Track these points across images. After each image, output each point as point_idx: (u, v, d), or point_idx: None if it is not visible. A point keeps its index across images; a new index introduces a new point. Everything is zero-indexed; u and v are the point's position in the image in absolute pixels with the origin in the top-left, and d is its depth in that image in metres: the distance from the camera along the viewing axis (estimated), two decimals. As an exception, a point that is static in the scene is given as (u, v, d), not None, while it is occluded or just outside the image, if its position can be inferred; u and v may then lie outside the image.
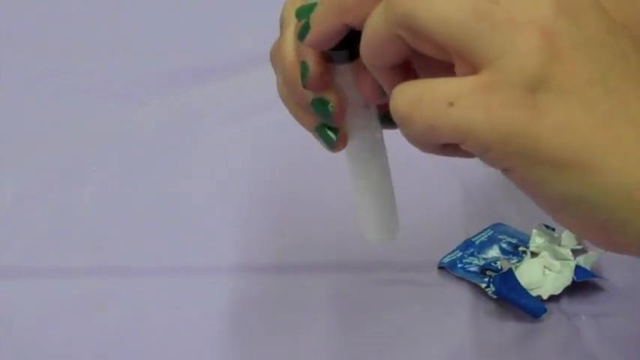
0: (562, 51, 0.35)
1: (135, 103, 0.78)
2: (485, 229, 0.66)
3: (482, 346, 0.60)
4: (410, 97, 0.35)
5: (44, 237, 0.67)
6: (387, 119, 0.45)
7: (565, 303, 0.60)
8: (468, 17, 0.35)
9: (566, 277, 0.61)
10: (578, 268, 0.61)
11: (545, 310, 0.60)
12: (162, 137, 0.77)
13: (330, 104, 0.44)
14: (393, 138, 0.61)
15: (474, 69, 0.35)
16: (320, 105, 0.45)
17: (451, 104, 0.34)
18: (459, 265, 0.65)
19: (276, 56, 0.46)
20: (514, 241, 0.66)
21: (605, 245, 0.38)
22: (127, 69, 0.83)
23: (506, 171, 0.36)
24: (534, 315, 0.60)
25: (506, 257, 0.65)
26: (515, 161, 0.35)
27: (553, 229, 0.64)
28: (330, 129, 0.46)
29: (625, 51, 0.38)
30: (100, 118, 0.78)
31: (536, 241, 0.64)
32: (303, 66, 0.43)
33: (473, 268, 0.65)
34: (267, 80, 0.57)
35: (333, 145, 0.46)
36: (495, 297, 0.61)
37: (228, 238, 0.68)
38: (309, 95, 0.44)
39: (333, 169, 0.52)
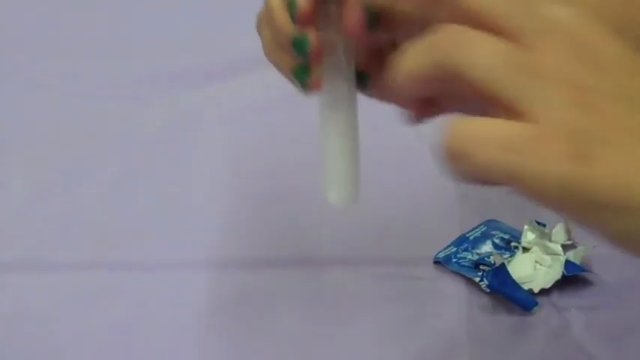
0: (594, 103, 0.37)
1: (137, 103, 0.79)
2: (479, 226, 0.67)
3: (475, 338, 0.61)
4: (463, 135, 0.36)
5: (53, 232, 0.68)
6: (362, 78, 0.49)
7: (555, 296, 0.61)
8: (509, 69, 0.37)
9: (556, 272, 0.62)
10: (567, 263, 0.63)
11: (536, 304, 0.61)
12: (164, 136, 0.78)
13: (310, 42, 0.47)
14: (389, 138, 0.60)
15: (510, 113, 0.36)
16: (300, 43, 0.47)
17: (506, 150, 0.36)
18: (454, 260, 0.66)
19: (262, 15, 0.50)
20: (506, 236, 0.67)
21: None
22: (129, 70, 0.84)
23: (562, 214, 0.38)
24: (526, 308, 0.61)
25: (499, 252, 0.66)
26: (572, 208, 0.37)
27: (544, 225, 0.66)
28: (305, 71, 0.49)
29: None
30: (104, 118, 0.79)
31: (528, 236, 0.65)
32: (292, 4, 0.46)
33: (467, 263, 0.66)
34: (265, 82, 0.64)
35: (306, 85, 0.49)
36: (488, 290, 0.62)
37: (228, 233, 0.68)
38: (291, 35, 0.47)
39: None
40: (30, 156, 0.76)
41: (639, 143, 0.37)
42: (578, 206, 0.36)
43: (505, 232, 0.68)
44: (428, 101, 0.44)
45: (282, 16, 0.48)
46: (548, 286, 0.62)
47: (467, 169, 0.36)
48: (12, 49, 0.88)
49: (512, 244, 0.66)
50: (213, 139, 0.77)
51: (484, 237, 0.68)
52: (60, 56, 0.87)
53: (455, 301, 0.63)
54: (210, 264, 0.66)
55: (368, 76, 0.50)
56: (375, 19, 0.46)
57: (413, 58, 0.39)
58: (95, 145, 0.77)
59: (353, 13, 0.45)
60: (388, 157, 0.67)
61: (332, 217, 0.62)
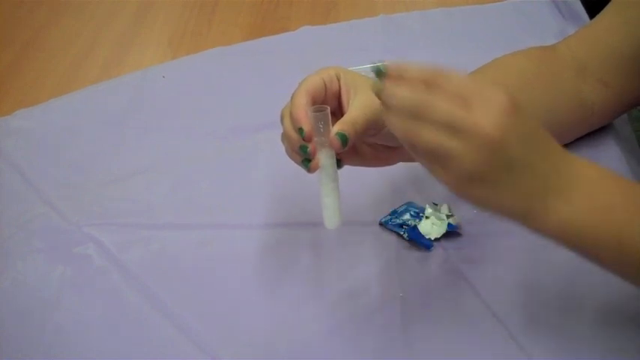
0: (494, 165, 0.54)
1: (225, 141, 0.99)
2: (403, 205, 0.84)
3: (400, 264, 0.78)
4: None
5: (180, 208, 0.89)
6: (339, 161, 0.68)
7: (443, 242, 0.79)
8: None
9: (443, 229, 0.79)
10: (449, 224, 0.79)
11: (432, 245, 0.79)
12: (238, 158, 0.96)
13: (308, 148, 0.65)
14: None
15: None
16: (303, 148, 0.65)
17: (448, 184, 0.56)
18: (390, 223, 0.82)
19: (284, 111, 0.67)
20: (417, 210, 0.82)
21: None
22: (222, 124, 1.02)
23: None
24: (427, 248, 0.78)
25: (413, 218, 0.81)
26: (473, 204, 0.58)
27: (436, 204, 0.81)
28: (308, 161, 0.65)
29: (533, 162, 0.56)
30: (208, 148, 0.98)
31: (428, 210, 0.81)
32: (301, 130, 0.64)
33: (396, 224, 0.81)
34: None
35: (309, 169, 0.66)
36: (408, 239, 0.79)
37: (269, 208, 0.87)
38: (299, 144, 0.65)
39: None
40: (169, 169, 0.95)
41: (502, 183, 0.55)
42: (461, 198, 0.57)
43: (416, 208, 0.83)
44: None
45: (293, 135, 0.65)
46: (438, 236, 0.79)
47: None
48: (159, 109, 1.06)
49: (420, 214, 0.81)
50: (263, 159, 0.94)
51: (405, 210, 0.83)
52: (186, 116, 1.04)
53: (390, 244, 0.81)
54: (257, 226, 0.85)
55: (341, 160, 0.69)
56: (345, 140, 0.64)
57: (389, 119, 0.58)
58: (204, 163, 0.95)
59: (333, 137, 0.63)
60: (359, 175, 0.76)
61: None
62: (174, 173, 0.93)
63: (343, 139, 0.63)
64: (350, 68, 0.68)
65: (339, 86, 0.67)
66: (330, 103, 0.67)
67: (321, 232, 0.80)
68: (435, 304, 0.73)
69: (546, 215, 0.57)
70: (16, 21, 1.28)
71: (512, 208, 0.57)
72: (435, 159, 0.55)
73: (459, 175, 0.55)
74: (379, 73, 0.57)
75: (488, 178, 0.55)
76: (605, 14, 0.81)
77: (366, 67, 0.62)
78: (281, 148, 0.72)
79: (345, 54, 1.09)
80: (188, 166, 0.93)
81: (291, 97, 0.65)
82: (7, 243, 0.84)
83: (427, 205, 0.81)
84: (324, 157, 0.65)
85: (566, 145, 0.86)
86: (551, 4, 1.17)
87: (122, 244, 0.83)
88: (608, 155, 0.85)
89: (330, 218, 0.67)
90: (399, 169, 0.81)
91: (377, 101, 0.60)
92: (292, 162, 0.68)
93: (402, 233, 0.80)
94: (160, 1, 1.31)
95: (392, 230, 0.81)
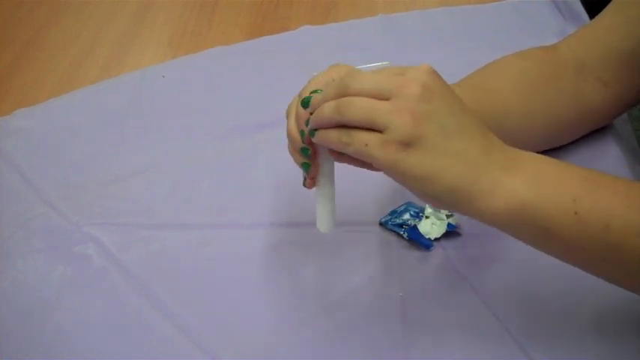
0: (420, 121, 0.54)
1: (225, 141, 0.98)
2: (403, 204, 0.83)
3: (400, 264, 0.78)
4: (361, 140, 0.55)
5: (181, 208, 0.88)
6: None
7: (442, 242, 0.79)
8: (379, 113, 0.54)
9: (442, 229, 0.79)
10: (449, 224, 0.79)
11: (432, 245, 0.78)
12: (238, 158, 0.95)
13: (309, 150, 0.63)
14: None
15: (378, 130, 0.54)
16: (305, 150, 0.64)
17: (367, 146, 0.55)
18: (390, 223, 0.81)
19: (290, 106, 0.66)
20: (417, 210, 0.82)
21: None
22: (222, 123, 1.01)
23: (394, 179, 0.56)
24: (427, 247, 0.78)
25: (413, 218, 0.81)
26: (397, 177, 0.55)
27: None
28: (308, 165, 0.65)
29: (459, 118, 0.56)
30: (208, 148, 0.97)
31: (428, 210, 0.81)
32: (302, 132, 0.62)
33: (396, 224, 0.81)
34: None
35: (309, 172, 0.65)
36: (408, 239, 0.79)
37: (270, 208, 0.86)
38: (300, 146, 0.63)
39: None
40: (169, 169, 0.94)
41: (439, 148, 0.54)
42: (401, 177, 0.55)
43: (416, 208, 0.82)
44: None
45: (295, 135, 0.64)
46: (438, 236, 0.79)
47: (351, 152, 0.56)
48: (159, 109, 1.05)
49: (420, 214, 0.81)
50: (263, 159, 0.94)
51: (405, 210, 0.82)
52: (186, 116, 1.03)
53: (390, 244, 0.80)
54: (257, 226, 0.84)
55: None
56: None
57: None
58: (204, 163, 0.94)
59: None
60: (360, 176, 0.71)
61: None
62: (174, 173, 0.93)
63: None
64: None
65: None
66: None
67: (321, 232, 0.74)
68: (435, 304, 0.73)
69: (496, 192, 0.55)
70: (16, 21, 1.28)
71: (455, 181, 0.54)
72: (365, 132, 0.55)
73: (392, 140, 0.54)
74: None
75: (423, 143, 0.54)
76: (606, 14, 0.81)
77: (367, 67, 0.62)
78: (281, 148, 0.72)
79: (345, 54, 1.05)
80: (188, 166, 0.93)
81: (299, 95, 0.64)
82: (7, 243, 0.84)
83: (427, 205, 0.81)
84: (323, 160, 0.65)
85: (567, 145, 0.86)
86: (551, 4, 1.17)
87: (122, 244, 0.83)
88: (608, 155, 0.85)
89: (325, 221, 0.67)
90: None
91: None
92: (292, 162, 0.68)
93: (401, 233, 0.80)
94: (160, 1, 1.31)
95: (392, 230, 0.81)
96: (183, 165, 0.94)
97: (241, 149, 0.95)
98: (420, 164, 0.54)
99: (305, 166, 0.64)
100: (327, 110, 0.57)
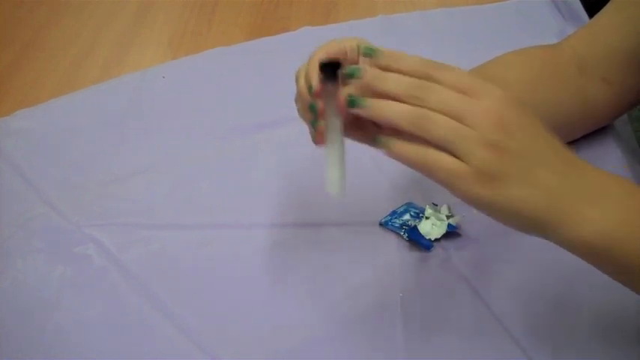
0: (504, 157, 0.53)
1: (225, 141, 0.98)
2: (403, 205, 0.83)
3: (401, 264, 0.78)
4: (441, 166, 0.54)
5: (181, 208, 0.89)
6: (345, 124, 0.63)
7: (443, 242, 0.79)
8: (461, 139, 0.53)
9: (443, 229, 0.79)
10: (449, 225, 0.79)
11: (432, 246, 0.78)
12: (238, 158, 0.96)
13: (318, 106, 0.62)
14: (359, 161, 0.70)
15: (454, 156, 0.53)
16: (313, 106, 0.63)
17: (449, 173, 0.53)
18: (390, 223, 0.81)
19: (299, 71, 0.66)
20: (417, 211, 0.82)
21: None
22: (222, 123, 1.01)
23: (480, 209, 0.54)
24: (427, 248, 0.78)
25: (413, 219, 0.81)
26: (478, 208, 0.55)
27: (436, 205, 0.81)
28: (316, 121, 0.63)
29: (544, 150, 0.55)
30: (208, 148, 0.97)
31: (428, 211, 0.81)
32: (310, 87, 0.62)
33: (396, 225, 0.81)
34: (291, 133, 0.85)
35: (317, 129, 0.63)
36: (408, 239, 0.79)
37: (270, 208, 0.86)
38: (309, 102, 0.63)
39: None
40: (169, 169, 0.94)
41: (522, 181, 0.53)
42: (483, 210, 0.55)
43: (416, 209, 0.82)
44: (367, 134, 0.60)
45: (304, 92, 0.64)
46: (438, 237, 0.79)
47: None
48: (159, 110, 1.06)
49: (420, 215, 0.81)
50: (263, 159, 0.94)
51: (405, 211, 0.83)
52: (186, 116, 1.04)
53: (391, 245, 0.80)
54: (258, 226, 0.85)
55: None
56: (354, 102, 0.58)
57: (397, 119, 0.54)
58: (204, 163, 0.95)
59: (341, 98, 0.59)
60: (358, 172, 0.72)
61: (329, 200, 0.68)
62: (174, 173, 0.93)
63: (352, 100, 0.59)
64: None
65: (358, 56, 0.65)
66: None
67: (321, 233, 0.81)
68: (435, 305, 0.73)
69: (581, 224, 0.55)
70: (16, 21, 1.28)
71: (539, 213, 0.54)
72: (448, 157, 0.54)
73: (475, 173, 0.53)
74: (369, 54, 0.57)
75: (507, 177, 0.53)
76: (605, 13, 0.81)
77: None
78: (281, 148, 0.75)
79: None
80: (188, 166, 0.94)
81: (310, 56, 0.64)
82: (7, 243, 0.84)
83: (427, 206, 0.82)
84: (330, 115, 0.64)
85: (567, 145, 0.87)
86: (551, 4, 1.18)
87: (122, 244, 0.83)
88: (608, 155, 0.85)
89: (335, 183, 0.64)
90: (399, 169, 0.80)
91: None
92: (292, 162, 0.69)
93: (402, 234, 0.80)
94: (160, 1, 1.31)
95: (392, 231, 0.81)
96: (183, 165, 0.94)
97: (241, 149, 0.96)
98: (503, 198, 0.54)
99: (313, 123, 0.64)
100: (404, 117, 0.55)
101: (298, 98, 0.66)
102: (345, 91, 0.58)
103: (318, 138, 0.63)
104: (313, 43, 1.06)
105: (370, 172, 0.79)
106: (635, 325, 0.68)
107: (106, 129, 1.02)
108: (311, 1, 1.28)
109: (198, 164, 0.94)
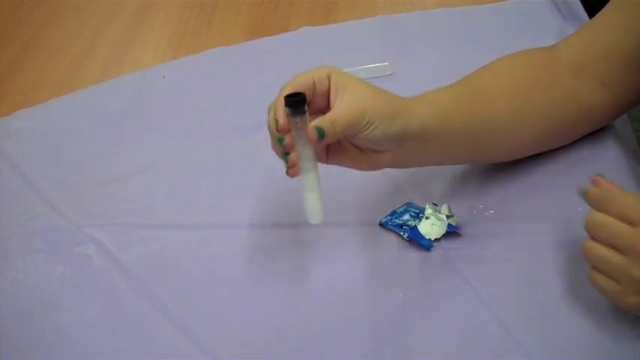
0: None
1: (225, 141, 0.99)
2: (403, 205, 0.84)
3: (400, 264, 0.78)
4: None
5: (181, 208, 0.89)
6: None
7: (442, 242, 0.79)
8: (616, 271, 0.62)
9: (442, 229, 0.79)
10: (449, 225, 0.79)
11: (432, 245, 0.78)
12: (238, 158, 0.96)
13: (286, 141, 0.65)
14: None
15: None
16: (281, 141, 0.66)
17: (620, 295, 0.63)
18: (390, 223, 0.81)
19: (270, 107, 0.68)
20: (417, 211, 0.82)
21: None
22: (222, 123, 1.02)
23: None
24: (427, 248, 0.78)
25: (413, 219, 0.81)
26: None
27: (436, 205, 0.81)
28: (287, 154, 0.66)
29: None
30: (208, 148, 0.98)
31: (428, 211, 0.81)
32: (277, 122, 0.65)
33: (396, 225, 0.81)
34: None
35: (289, 162, 0.66)
36: (408, 240, 0.79)
37: (261, 209, 0.87)
38: (277, 136, 0.66)
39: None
40: (169, 169, 0.95)
41: None
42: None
43: (416, 209, 0.82)
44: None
45: (273, 127, 0.66)
46: (438, 237, 0.79)
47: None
48: (159, 110, 1.06)
49: (420, 215, 0.81)
50: (263, 159, 0.86)
51: (405, 211, 0.83)
52: (186, 116, 1.04)
53: (391, 245, 0.80)
54: (257, 226, 0.85)
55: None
56: (323, 134, 0.64)
57: None
58: (204, 163, 0.96)
59: (310, 130, 0.64)
60: (361, 180, 0.79)
61: (328, 200, 0.71)
62: (174, 173, 0.93)
63: (320, 131, 0.64)
64: (349, 69, 0.69)
65: (329, 86, 0.67)
66: (318, 102, 0.68)
67: (321, 233, 0.80)
68: (435, 304, 0.73)
69: None
70: (16, 21, 1.28)
71: None
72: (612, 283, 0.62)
73: (621, 290, 0.61)
74: (584, 195, 0.64)
75: None
76: (605, 13, 0.81)
77: (367, 67, 0.63)
78: None
79: (345, 54, 1.09)
80: (188, 166, 0.94)
81: (279, 92, 0.66)
82: (7, 243, 0.85)
83: (427, 206, 0.82)
84: (302, 147, 0.66)
85: (566, 146, 0.87)
86: (551, 4, 1.18)
87: (122, 244, 0.84)
88: (608, 155, 0.85)
89: (313, 211, 0.68)
90: (398, 169, 0.81)
91: (362, 103, 0.64)
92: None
93: (401, 234, 0.80)
94: (160, 1, 1.32)
95: (392, 230, 0.81)
96: (183, 165, 0.95)
97: (241, 149, 0.96)
98: None
99: (284, 157, 0.66)
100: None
101: (269, 133, 0.68)
102: (313, 124, 0.63)
103: (291, 170, 0.66)
104: (313, 43, 1.10)
105: (370, 172, 0.76)
106: (635, 324, 0.68)
107: (106, 129, 1.02)
108: (311, 1, 1.28)
109: (198, 164, 0.95)
